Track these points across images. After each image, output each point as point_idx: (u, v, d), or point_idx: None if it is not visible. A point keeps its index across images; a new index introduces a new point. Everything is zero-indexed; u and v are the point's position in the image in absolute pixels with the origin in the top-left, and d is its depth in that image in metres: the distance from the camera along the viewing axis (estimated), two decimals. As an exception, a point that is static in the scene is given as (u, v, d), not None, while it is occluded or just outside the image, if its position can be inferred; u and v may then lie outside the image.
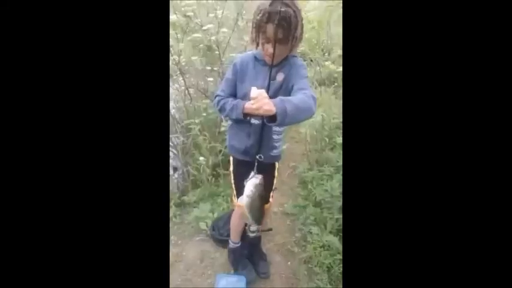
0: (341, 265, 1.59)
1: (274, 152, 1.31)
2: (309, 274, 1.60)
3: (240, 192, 1.49)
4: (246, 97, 1.17)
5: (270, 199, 1.43)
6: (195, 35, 1.91)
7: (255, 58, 1.17)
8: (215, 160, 2.33)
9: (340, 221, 1.79)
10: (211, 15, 1.96)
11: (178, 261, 1.70)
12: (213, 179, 2.34)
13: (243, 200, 1.11)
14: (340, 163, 2.21)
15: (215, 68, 2.28)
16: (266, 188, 1.37)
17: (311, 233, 1.81)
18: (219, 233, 1.82)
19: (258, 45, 1.09)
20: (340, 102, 2.66)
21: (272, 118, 0.92)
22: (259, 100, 0.90)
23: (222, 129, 2.13)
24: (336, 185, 1.93)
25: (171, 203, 2.12)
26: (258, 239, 1.64)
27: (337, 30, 3.10)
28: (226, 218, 1.94)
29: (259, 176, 1.10)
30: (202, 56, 2.19)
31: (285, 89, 1.14)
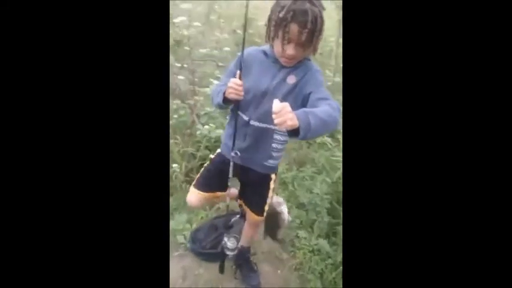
0: (333, 270, 1.53)
1: (270, 163, 1.16)
2: (301, 282, 1.52)
3: (204, 184, 1.30)
4: (249, 91, 1.04)
5: (265, 213, 1.29)
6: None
7: (264, 53, 1.05)
8: (188, 166, 2.16)
9: (329, 224, 1.74)
10: (183, 6, 1.79)
11: (157, 283, 1.51)
12: (187, 186, 2.16)
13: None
14: (322, 163, 2.17)
15: (185, 65, 2.10)
16: (259, 202, 1.26)
17: (298, 237, 1.73)
18: (200, 246, 1.66)
19: (273, 43, 0.97)
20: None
21: (294, 131, 0.81)
22: (282, 114, 0.77)
23: (198, 132, 1.96)
24: (322, 186, 1.88)
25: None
26: (247, 250, 1.51)
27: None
28: (206, 229, 1.78)
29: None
30: (171, 52, 2.00)
31: (298, 94, 1.02)
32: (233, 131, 1.12)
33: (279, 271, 1.59)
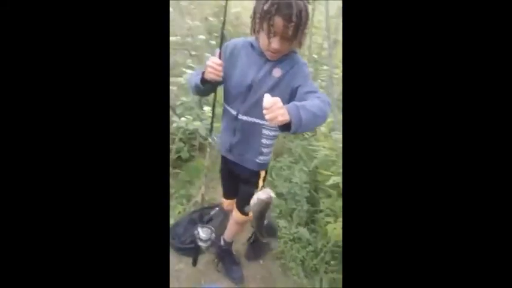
0: (314, 257, 1.57)
1: (261, 159, 1.14)
2: (283, 270, 1.54)
3: (226, 193, 1.35)
4: (235, 84, 1.02)
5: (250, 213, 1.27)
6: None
7: (251, 45, 1.01)
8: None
9: (308, 212, 1.77)
10: None
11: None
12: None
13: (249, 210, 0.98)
14: (298, 153, 2.20)
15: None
16: (245, 201, 1.23)
17: (278, 226, 1.74)
18: (179, 241, 1.61)
19: (258, 35, 0.94)
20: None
21: (285, 126, 0.79)
22: (273, 110, 0.75)
23: (173, 125, 1.88)
24: (301, 174, 1.90)
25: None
26: (229, 244, 1.49)
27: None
28: (185, 223, 1.74)
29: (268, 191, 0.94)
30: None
31: (285, 88, 0.99)
32: (223, 125, 1.12)
33: (261, 261, 1.60)
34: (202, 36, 2.18)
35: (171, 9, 1.77)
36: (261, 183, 1.19)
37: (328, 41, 2.04)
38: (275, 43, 0.90)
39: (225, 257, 1.50)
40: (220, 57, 0.94)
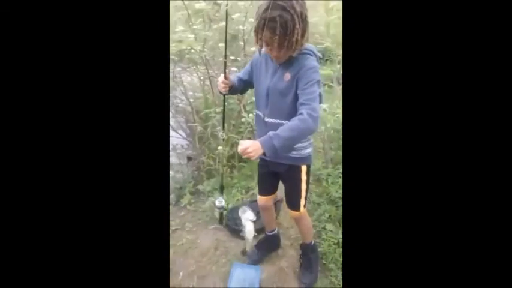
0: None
1: (294, 154, 1.23)
2: (322, 270, 1.60)
3: (261, 190, 1.50)
4: (259, 90, 1.22)
5: (301, 208, 1.36)
6: (223, 23, 1.90)
7: (268, 55, 1.17)
8: (231, 152, 2.34)
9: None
10: (240, 3, 1.95)
11: (194, 248, 1.71)
12: (228, 170, 2.34)
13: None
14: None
15: (238, 59, 2.27)
16: (292, 197, 1.35)
17: (325, 229, 1.81)
18: (234, 223, 1.83)
19: (261, 47, 1.11)
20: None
21: (264, 154, 0.97)
22: (245, 153, 0.96)
23: (242, 119, 2.13)
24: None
25: (186, 191, 2.13)
26: (307, 246, 1.58)
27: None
28: (243, 208, 1.95)
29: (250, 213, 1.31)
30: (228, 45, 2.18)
31: (294, 91, 1.10)
32: (256, 128, 1.32)
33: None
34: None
35: (253, 19, 2.03)
36: (304, 177, 1.29)
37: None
38: (272, 52, 1.07)
39: (304, 259, 1.58)
40: (226, 77, 1.18)
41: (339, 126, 2.37)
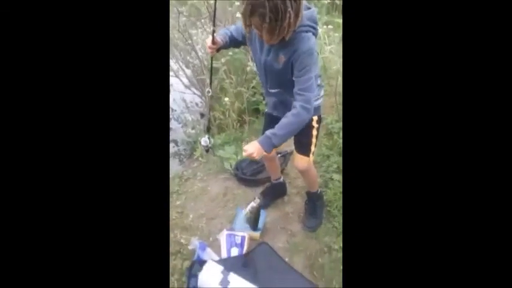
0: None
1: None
2: (327, 216, 1.64)
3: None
4: (258, 65, 1.21)
5: (311, 154, 1.36)
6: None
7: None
8: (241, 107, 2.34)
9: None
10: None
11: (204, 194, 1.81)
12: (238, 124, 2.37)
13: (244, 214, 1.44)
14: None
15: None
16: (303, 144, 1.34)
17: (332, 179, 1.81)
18: (242, 173, 1.89)
19: (249, 33, 1.08)
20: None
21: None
22: (249, 156, 1.07)
23: (247, 68, 2.09)
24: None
25: (198, 145, 2.20)
26: (312, 195, 1.60)
27: None
28: (249, 160, 2.00)
29: (257, 201, 1.40)
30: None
31: (289, 74, 1.09)
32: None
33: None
34: None
35: None
36: (315, 124, 1.30)
37: None
38: (262, 36, 1.01)
39: (309, 205, 1.62)
40: (213, 41, 1.13)
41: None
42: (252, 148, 1.06)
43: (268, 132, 1.07)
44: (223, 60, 2.01)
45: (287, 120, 1.08)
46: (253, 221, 1.44)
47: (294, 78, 1.09)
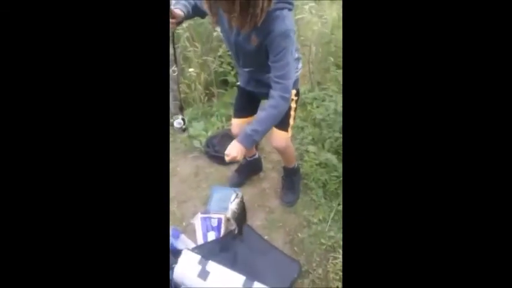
0: (337, 182, 1.57)
1: None
2: (304, 189, 1.59)
3: (239, 111, 1.41)
4: (228, 43, 1.12)
5: (289, 128, 1.28)
6: None
7: None
8: (208, 78, 2.15)
9: (340, 141, 1.73)
10: None
11: (173, 175, 1.67)
12: (206, 98, 2.19)
13: (229, 213, 1.19)
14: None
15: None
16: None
17: (308, 151, 1.76)
18: (213, 150, 1.77)
19: (217, 24, 1.01)
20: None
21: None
22: (232, 160, 1.02)
23: (215, 34, 1.89)
24: (338, 101, 1.82)
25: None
26: (290, 170, 1.53)
27: None
28: (220, 136, 1.87)
29: (239, 194, 1.20)
30: None
31: (265, 57, 1.00)
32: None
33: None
34: None
35: None
36: (294, 97, 1.20)
37: None
38: (232, 23, 0.94)
39: (287, 181, 1.55)
40: (171, 14, 0.96)
41: (327, 30, 2.16)
42: (234, 150, 1.01)
43: (248, 129, 1.01)
44: (185, 25, 1.78)
45: (266, 113, 1.02)
46: (242, 218, 1.25)
47: (269, 63, 0.99)
